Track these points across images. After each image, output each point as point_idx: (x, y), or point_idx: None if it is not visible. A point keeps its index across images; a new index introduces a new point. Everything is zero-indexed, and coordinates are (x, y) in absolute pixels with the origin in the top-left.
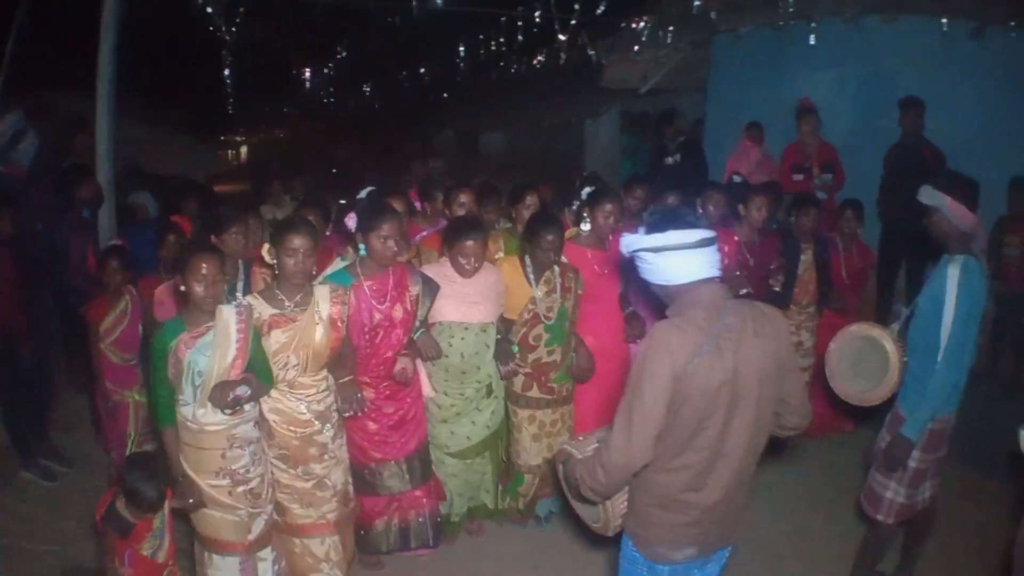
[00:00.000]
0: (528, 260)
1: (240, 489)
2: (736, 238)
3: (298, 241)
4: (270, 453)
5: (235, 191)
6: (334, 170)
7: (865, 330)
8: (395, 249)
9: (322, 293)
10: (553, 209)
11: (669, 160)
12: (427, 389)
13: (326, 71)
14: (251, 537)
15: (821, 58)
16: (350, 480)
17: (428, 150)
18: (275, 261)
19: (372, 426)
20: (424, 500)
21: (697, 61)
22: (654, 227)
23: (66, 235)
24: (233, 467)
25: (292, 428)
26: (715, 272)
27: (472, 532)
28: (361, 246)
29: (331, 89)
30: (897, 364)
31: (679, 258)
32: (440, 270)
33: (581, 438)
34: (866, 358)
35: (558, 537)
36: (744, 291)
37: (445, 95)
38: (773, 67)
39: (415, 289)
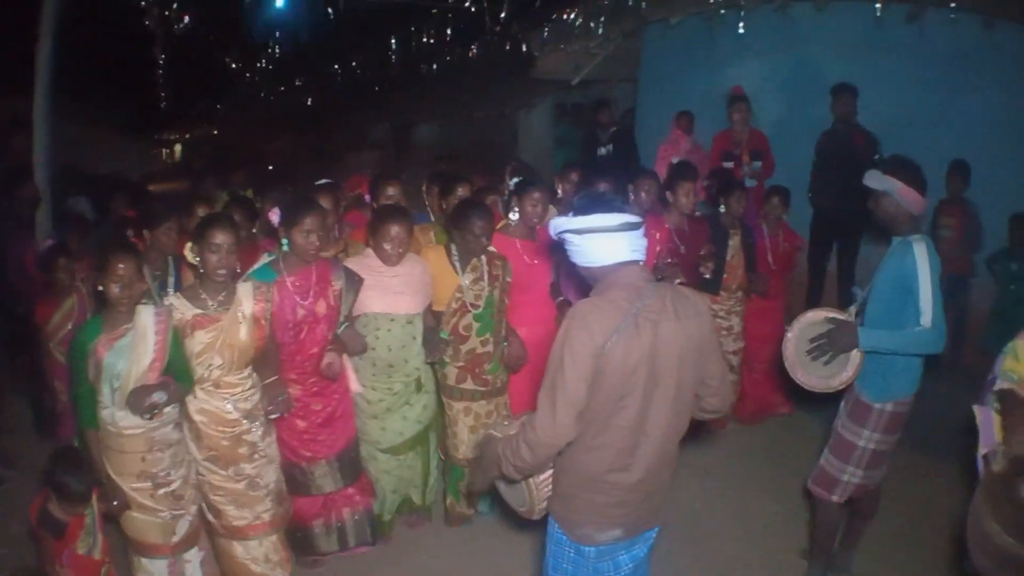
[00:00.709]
0: (454, 249)
1: (162, 491)
2: (666, 225)
3: (220, 237)
4: (199, 455)
5: (170, 190)
6: (270, 166)
7: (822, 315)
8: (317, 244)
9: (245, 291)
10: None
11: (601, 150)
12: (355, 385)
13: (259, 66)
14: (176, 539)
15: (751, 47)
16: (282, 479)
17: (362, 143)
18: (198, 259)
19: (301, 424)
20: (357, 498)
21: (629, 51)
22: (580, 209)
23: (5, 236)
24: (153, 470)
25: (220, 428)
26: (638, 256)
27: (411, 525)
28: (284, 241)
29: (264, 84)
30: (858, 353)
31: (602, 240)
32: (364, 261)
33: (506, 423)
34: (835, 337)
35: (500, 526)
36: (678, 280)
37: (379, 88)
38: (703, 57)
39: (338, 283)
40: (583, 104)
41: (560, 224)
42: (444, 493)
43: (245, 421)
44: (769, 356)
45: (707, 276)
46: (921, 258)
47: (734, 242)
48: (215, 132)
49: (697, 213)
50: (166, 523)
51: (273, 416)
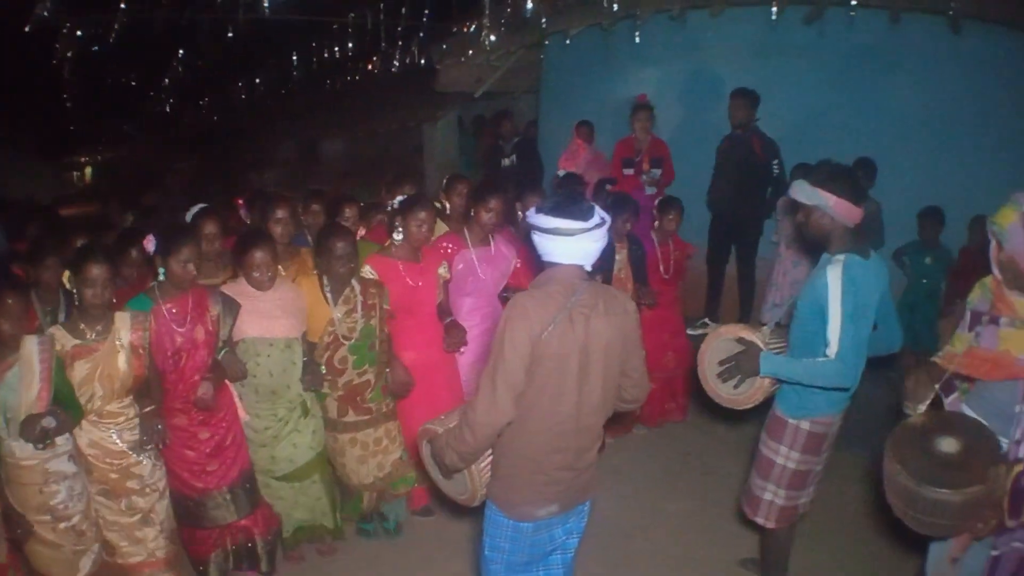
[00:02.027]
0: (326, 279)
1: (62, 526)
2: None
3: (94, 271)
4: (93, 489)
5: (81, 213)
6: (175, 188)
7: (737, 331)
8: (194, 272)
9: (123, 320)
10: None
11: (505, 161)
12: (242, 413)
13: (163, 87)
14: (80, 575)
15: (649, 56)
16: (172, 514)
17: (268, 161)
18: (75, 290)
19: (189, 454)
20: (254, 529)
21: (532, 63)
22: (549, 210)
23: None
24: (51, 503)
25: (109, 461)
26: (584, 262)
27: (323, 552)
28: (161, 270)
29: (170, 104)
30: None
31: (558, 242)
32: (238, 287)
33: (443, 417)
34: (744, 357)
35: (407, 547)
36: None
37: (283, 105)
38: (602, 67)
39: (215, 309)
40: (484, 116)
41: (531, 217)
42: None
43: (133, 453)
44: (667, 364)
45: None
46: (833, 282)
47: (621, 256)
48: (125, 153)
49: None
50: (68, 559)
51: (148, 448)
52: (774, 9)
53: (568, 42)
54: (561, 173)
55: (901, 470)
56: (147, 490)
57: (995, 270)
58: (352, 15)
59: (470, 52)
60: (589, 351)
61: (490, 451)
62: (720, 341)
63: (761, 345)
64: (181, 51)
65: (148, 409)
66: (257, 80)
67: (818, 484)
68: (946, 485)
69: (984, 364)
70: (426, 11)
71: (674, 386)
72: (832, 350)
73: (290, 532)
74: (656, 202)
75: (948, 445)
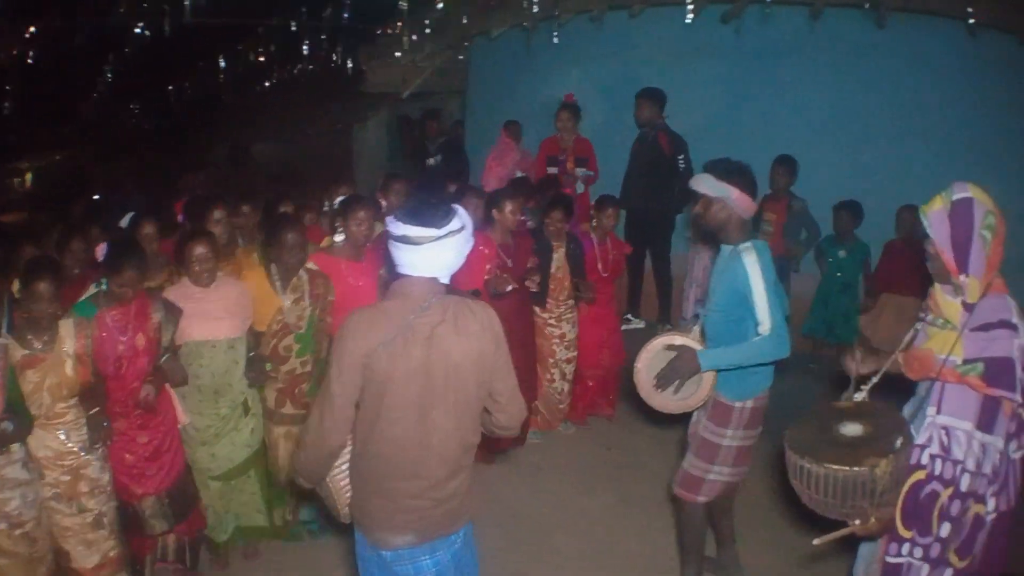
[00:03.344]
0: (274, 269)
1: (17, 532)
2: (493, 241)
3: (43, 287)
4: (46, 493)
5: (21, 219)
6: (108, 194)
7: (668, 340)
8: (131, 295)
9: (67, 329)
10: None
11: (431, 161)
12: (182, 417)
13: (97, 91)
14: None
15: (570, 56)
16: (119, 516)
17: (201, 163)
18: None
19: (129, 458)
20: (184, 531)
21: (458, 63)
22: (400, 217)
23: None
24: (6, 509)
25: (60, 463)
26: (438, 274)
27: (248, 556)
28: (103, 280)
29: (104, 109)
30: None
31: (407, 252)
32: (182, 290)
33: None
34: (678, 362)
35: (332, 549)
36: (509, 287)
37: (214, 108)
38: (526, 67)
39: (157, 316)
40: (410, 117)
41: (387, 223)
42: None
43: (82, 453)
44: (603, 362)
45: (533, 289)
46: (752, 267)
47: (559, 255)
48: (63, 159)
49: (529, 223)
50: (24, 567)
51: (97, 446)
52: (690, 7)
53: (492, 43)
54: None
55: (788, 437)
56: (96, 491)
57: (928, 262)
58: (276, 19)
59: (396, 54)
60: (432, 373)
61: (348, 468)
62: (652, 355)
63: (695, 346)
64: (111, 56)
65: (94, 411)
66: (187, 84)
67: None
68: (817, 458)
69: (914, 363)
70: (350, 14)
71: (607, 383)
72: (765, 327)
73: (228, 533)
74: (594, 200)
75: (850, 430)
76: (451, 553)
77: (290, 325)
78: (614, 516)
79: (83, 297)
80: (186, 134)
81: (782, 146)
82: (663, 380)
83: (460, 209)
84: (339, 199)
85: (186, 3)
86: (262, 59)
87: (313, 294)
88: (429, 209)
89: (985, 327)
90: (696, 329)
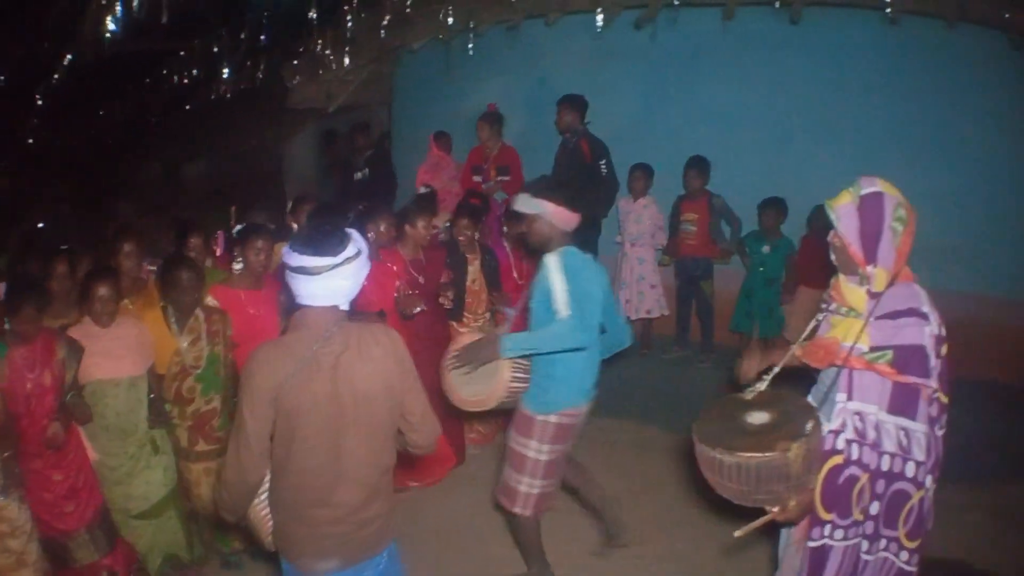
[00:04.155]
0: (170, 310)
1: None
2: (402, 257)
3: None
4: None
5: None
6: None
7: (476, 336)
8: (33, 332)
9: None
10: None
11: (358, 174)
12: (92, 453)
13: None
14: None
15: (491, 66)
16: (42, 555)
17: (132, 184)
18: None
19: (47, 496)
20: (116, 567)
21: (385, 75)
22: (293, 247)
23: None
24: None
25: None
26: (336, 301)
27: None
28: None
29: (37, 134)
30: (507, 365)
31: (303, 282)
32: (83, 329)
33: None
34: (483, 366)
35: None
36: (418, 309)
37: (143, 129)
38: (448, 79)
39: (61, 353)
40: (336, 130)
41: (283, 254)
42: None
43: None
44: None
45: (447, 305)
46: (553, 268)
47: (474, 267)
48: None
49: (442, 236)
50: None
51: (12, 491)
52: (599, 17)
53: (414, 55)
54: (423, 190)
55: (696, 430)
56: (17, 532)
57: (832, 255)
58: (196, 41)
59: (320, 71)
60: (341, 401)
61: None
62: (460, 351)
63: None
64: (41, 83)
65: (7, 454)
66: (116, 107)
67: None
68: (729, 448)
69: (818, 352)
70: (269, 33)
71: None
72: (562, 313)
73: (156, 566)
74: (504, 209)
75: (756, 418)
76: (377, 573)
77: (188, 367)
78: (549, 523)
79: None
80: (117, 157)
81: (701, 147)
82: (460, 359)
83: (355, 234)
84: (236, 228)
85: (107, 34)
86: (187, 81)
87: (210, 332)
88: (323, 237)
89: (893, 315)
90: (502, 329)
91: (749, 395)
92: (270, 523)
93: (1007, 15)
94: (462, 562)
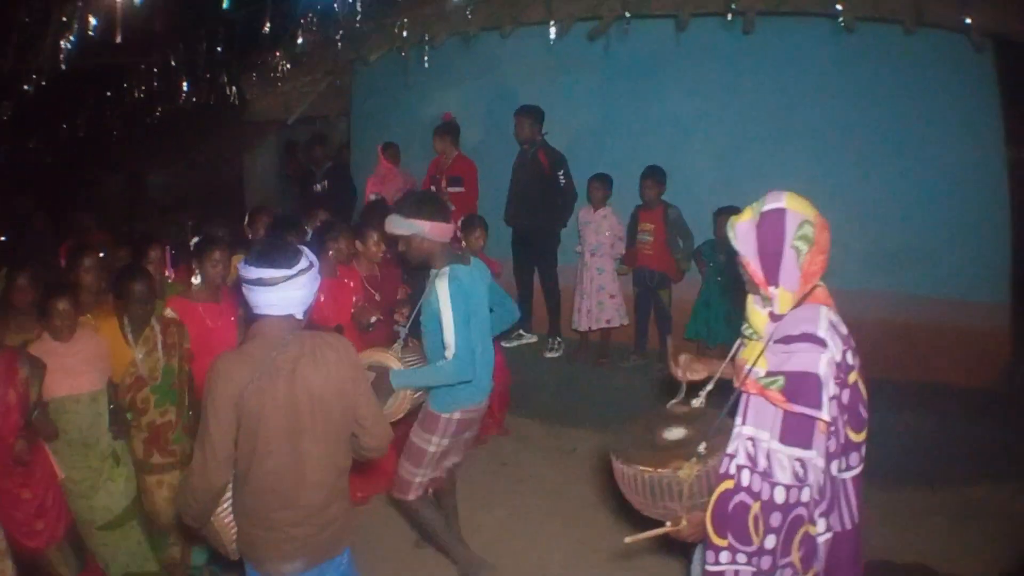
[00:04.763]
0: (125, 320)
1: None
2: (358, 274)
3: None
4: None
5: None
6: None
7: (369, 355)
8: None
9: None
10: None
11: (317, 187)
12: (59, 472)
13: None
14: None
15: (446, 77)
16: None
17: (94, 196)
18: None
19: (17, 515)
20: None
21: (343, 87)
22: (249, 260)
23: None
24: None
25: None
26: (292, 310)
27: None
28: None
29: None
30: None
31: (261, 293)
32: (42, 345)
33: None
34: (382, 380)
35: None
36: (374, 319)
37: (104, 141)
38: (405, 90)
39: (24, 371)
40: (295, 142)
41: (239, 268)
42: None
43: None
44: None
45: (401, 322)
46: (442, 293)
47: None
48: None
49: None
50: None
51: None
52: (552, 30)
53: (370, 67)
54: (373, 197)
55: (611, 438)
56: None
57: (741, 274)
58: (153, 55)
59: (277, 84)
60: (298, 405)
61: (230, 506)
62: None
63: (395, 365)
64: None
65: None
66: (78, 120)
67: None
68: (628, 460)
69: (737, 372)
70: (225, 45)
71: (494, 402)
72: (450, 352)
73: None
74: (459, 221)
75: (673, 434)
76: (339, 573)
77: (144, 378)
78: (509, 530)
79: None
80: (80, 169)
81: (656, 157)
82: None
83: (305, 249)
84: (194, 240)
85: (63, 50)
86: (146, 94)
87: (166, 344)
88: (277, 251)
89: (786, 340)
90: (396, 346)
91: (680, 408)
92: (233, 530)
93: (967, 19)
94: (423, 569)
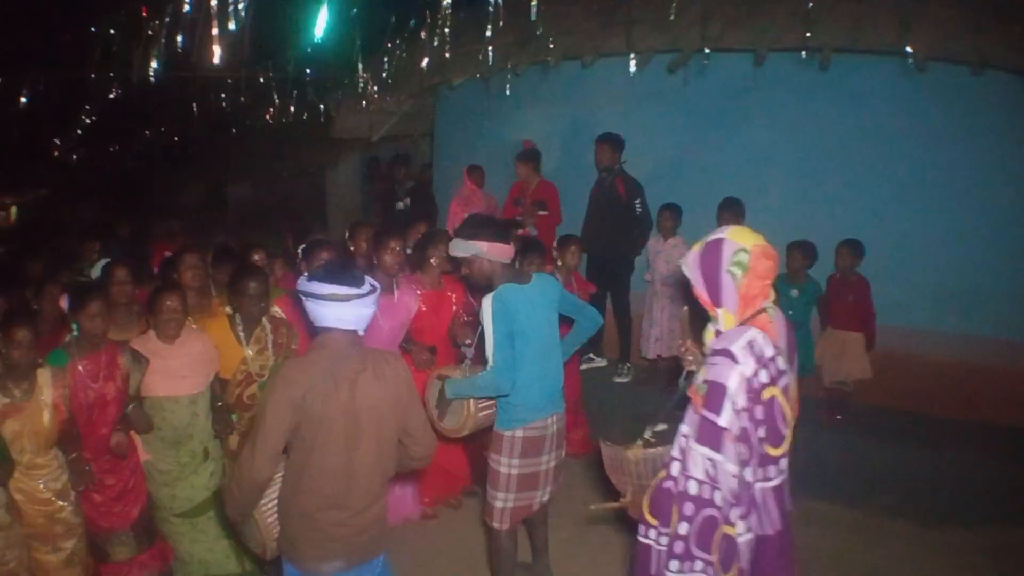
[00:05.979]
0: (238, 318)
1: (2, 571)
2: (463, 287)
3: (21, 334)
4: (24, 533)
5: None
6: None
7: (438, 371)
8: (104, 327)
9: (45, 378)
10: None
11: (399, 204)
12: (143, 454)
13: (73, 134)
14: None
15: (529, 104)
16: (87, 552)
17: (174, 206)
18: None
19: (97, 498)
20: (153, 563)
21: (427, 108)
22: (317, 277)
23: None
24: None
25: (36, 507)
26: (356, 327)
27: None
28: (75, 325)
29: (77, 152)
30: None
31: (328, 308)
32: (146, 344)
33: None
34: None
35: None
36: (468, 341)
37: (187, 152)
38: (486, 114)
39: (125, 366)
40: (379, 160)
41: (302, 284)
42: None
43: (58, 500)
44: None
45: (466, 352)
46: (486, 311)
47: None
48: (38, 196)
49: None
50: None
51: (79, 488)
52: (632, 61)
53: (454, 90)
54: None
55: (604, 444)
56: (70, 533)
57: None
58: (245, 71)
59: (363, 103)
60: (357, 414)
61: (274, 506)
62: (431, 385)
63: (454, 375)
64: (88, 102)
65: (73, 456)
66: (162, 128)
67: (556, 481)
68: (605, 438)
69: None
70: (315, 66)
71: (576, 416)
72: (490, 362)
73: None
74: (556, 240)
75: (657, 427)
76: (375, 575)
77: (254, 375)
78: (569, 554)
79: (58, 347)
80: (157, 177)
81: (731, 188)
82: (432, 402)
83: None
84: (301, 246)
85: (154, 61)
86: (233, 107)
87: (276, 343)
88: (344, 271)
89: (712, 353)
90: (464, 364)
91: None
92: (275, 530)
93: None
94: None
